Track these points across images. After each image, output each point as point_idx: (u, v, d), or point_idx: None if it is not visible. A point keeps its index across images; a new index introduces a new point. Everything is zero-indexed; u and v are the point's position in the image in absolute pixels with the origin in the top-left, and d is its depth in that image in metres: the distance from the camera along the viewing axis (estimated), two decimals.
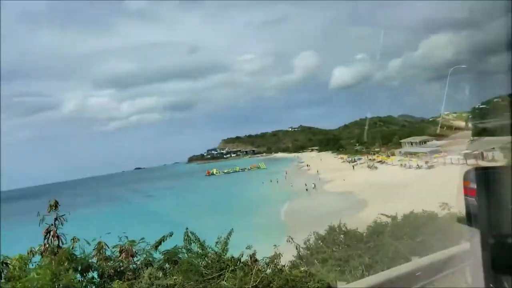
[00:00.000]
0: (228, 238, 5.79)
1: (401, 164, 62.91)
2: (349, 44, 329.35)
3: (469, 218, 2.05)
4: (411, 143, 79.94)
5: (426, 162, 57.86)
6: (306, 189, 56.57)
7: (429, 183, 42.21)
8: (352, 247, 6.61)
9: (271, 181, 77.80)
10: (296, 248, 6.58)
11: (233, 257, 5.43)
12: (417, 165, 57.88)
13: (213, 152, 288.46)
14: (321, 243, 7.14)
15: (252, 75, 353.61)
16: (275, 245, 5.85)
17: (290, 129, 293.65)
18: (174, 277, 4.54)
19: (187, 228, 5.59)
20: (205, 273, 4.96)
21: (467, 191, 2.07)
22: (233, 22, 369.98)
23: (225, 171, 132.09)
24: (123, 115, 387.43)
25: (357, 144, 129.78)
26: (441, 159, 56.87)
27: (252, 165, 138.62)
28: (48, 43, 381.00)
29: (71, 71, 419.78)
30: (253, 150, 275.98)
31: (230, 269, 5.10)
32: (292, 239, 6.60)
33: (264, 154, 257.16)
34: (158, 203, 69.20)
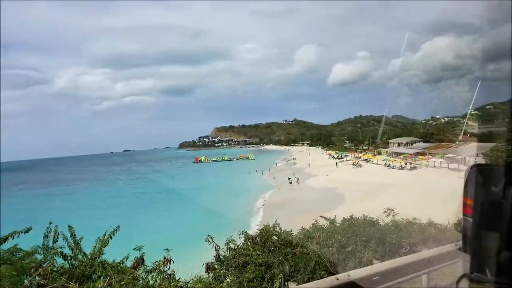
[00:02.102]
0: (110, 237, 4.92)
1: (385, 164, 62.81)
2: (352, 41, 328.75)
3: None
4: (398, 144, 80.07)
5: (410, 163, 57.74)
6: (290, 182, 56.60)
7: (407, 184, 42.79)
8: (279, 251, 5.95)
9: (256, 171, 78.27)
10: (216, 249, 5.62)
11: (104, 261, 4.54)
12: (400, 165, 57.79)
13: (205, 139, 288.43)
14: (248, 244, 6.21)
15: (253, 65, 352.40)
16: (166, 249, 4.83)
17: (284, 122, 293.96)
18: None
19: (50, 223, 4.72)
20: (42, 283, 3.87)
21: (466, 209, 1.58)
22: (240, 10, 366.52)
23: (213, 159, 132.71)
24: (116, 95, 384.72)
25: (347, 141, 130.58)
26: (425, 161, 56.82)
27: (241, 155, 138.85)
28: (46, 17, 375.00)
29: (67, 47, 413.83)
30: (245, 141, 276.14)
31: (97, 274, 4.31)
32: (212, 238, 5.54)
33: (256, 145, 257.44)
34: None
